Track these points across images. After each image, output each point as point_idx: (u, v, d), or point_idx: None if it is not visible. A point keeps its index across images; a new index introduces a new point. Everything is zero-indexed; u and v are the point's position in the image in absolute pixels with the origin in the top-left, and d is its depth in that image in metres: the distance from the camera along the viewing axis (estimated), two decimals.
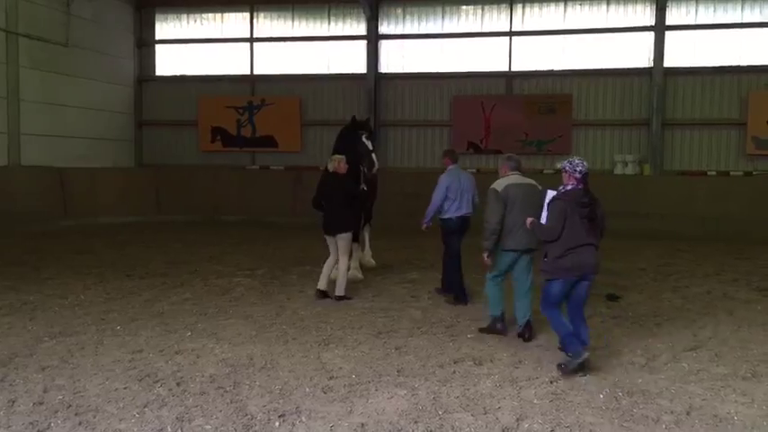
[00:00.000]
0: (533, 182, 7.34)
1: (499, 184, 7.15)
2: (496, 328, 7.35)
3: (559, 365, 5.99)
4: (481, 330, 7.43)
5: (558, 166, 6.21)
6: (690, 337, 7.36)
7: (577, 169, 6.11)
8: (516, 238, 7.02)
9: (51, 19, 18.09)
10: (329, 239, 9.05)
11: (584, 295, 6.22)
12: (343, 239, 8.98)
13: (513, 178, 7.23)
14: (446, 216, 8.74)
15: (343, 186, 9.01)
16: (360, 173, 9.89)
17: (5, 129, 16.94)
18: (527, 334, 7.14)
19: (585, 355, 5.94)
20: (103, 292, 9.34)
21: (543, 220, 6.27)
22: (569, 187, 6.13)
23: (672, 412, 5.11)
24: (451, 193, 8.65)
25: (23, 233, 15.21)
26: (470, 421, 4.89)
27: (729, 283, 10.48)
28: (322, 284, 9.11)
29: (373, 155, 9.79)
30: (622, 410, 5.13)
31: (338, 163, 9.10)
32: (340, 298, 8.97)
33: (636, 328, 7.71)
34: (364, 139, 9.86)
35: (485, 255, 7.13)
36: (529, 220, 6.51)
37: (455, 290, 8.88)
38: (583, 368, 5.92)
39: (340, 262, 9.02)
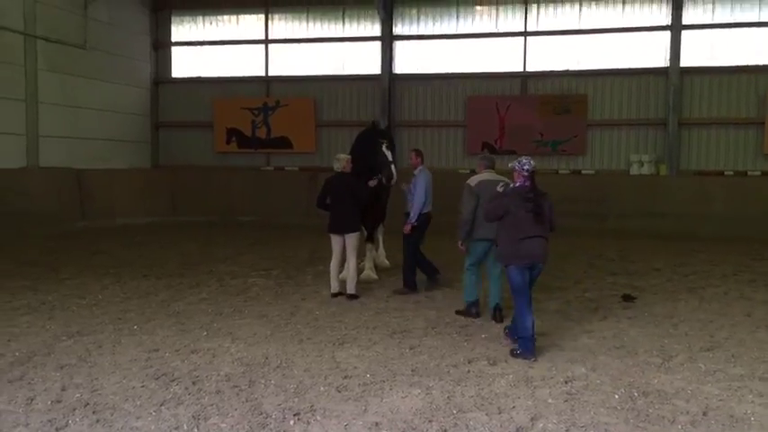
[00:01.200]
0: (505, 179, 7.90)
1: (473, 180, 7.98)
2: (471, 312, 8.11)
3: (512, 349, 6.61)
4: (457, 312, 8.20)
5: (510, 165, 6.99)
6: (706, 337, 7.31)
7: (524, 168, 6.69)
8: (487, 228, 7.57)
9: (69, 22, 18.26)
10: (335, 239, 9.08)
11: (534, 277, 6.81)
12: (352, 239, 9.02)
13: (486, 175, 8.02)
14: (422, 212, 9.40)
15: (351, 187, 9.03)
16: (373, 179, 9.83)
17: (24, 131, 17.12)
18: (498, 316, 7.92)
19: (532, 359, 6.44)
20: (120, 292, 9.42)
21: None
22: (518, 184, 6.77)
23: (688, 413, 5.09)
24: (427, 192, 9.35)
25: (41, 234, 15.36)
26: (485, 420, 4.89)
27: (746, 284, 10.39)
28: (334, 288, 9.17)
29: (393, 166, 9.75)
30: (638, 411, 5.11)
31: (345, 162, 9.13)
32: (351, 296, 9.01)
33: (652, 329, 7.67)
34: (384, 149, 9.80)
35: (459, 243, 8.03)
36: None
37: (429, 272, 9.64)
38: (529, 356, 6.45)
39: (350, 261, 9.06)
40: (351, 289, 9.08)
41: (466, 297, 8.19)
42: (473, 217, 7.77)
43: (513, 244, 6.57)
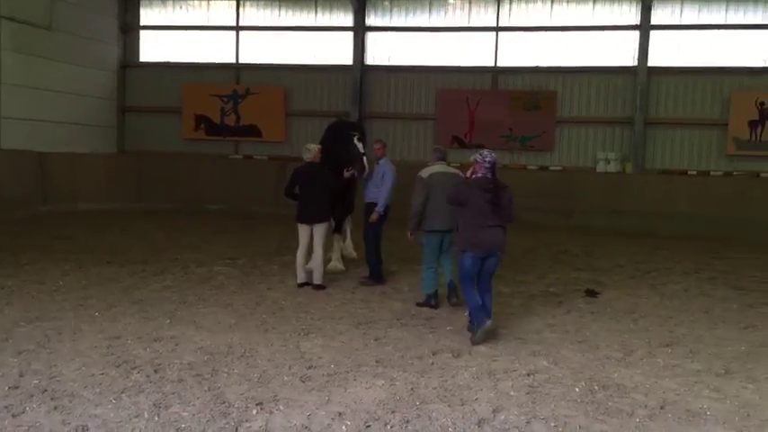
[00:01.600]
0: (457, 171, 8.36)
1: (425, 172, 8.18)
2: (430, 303, 8.29)
3: (471, 337, 6.81)
4: (418, 304, 8.33)
5: (472, 158, 7.28)
6: (666, 333, 7.45)
7: (486, 160, 6.93)
8: (437, 219, 8.01)
9: (34, 2, 17.83)
10: (303, 229, 9.06)
11: (492, 269, 6.99)
12: (320, 229, 9.01)
13: (438, 167, 8.24)
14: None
15: (321, 176, 9.01)
16: (344, 169, 9.79)
17: None
18: (453, 298, 8.25)
19: (488, 323, 6.77)
20: (82, 279, 9.27)
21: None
22: (479, 175, 6.97)
23: (646, 406, 5.18)
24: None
25: (2, 218, 15.04)
26: (447, 412, 4.93)
27: (706, 282, 10.60)
28: (301, 278, 9.15)
29: (365, 158, 9.74)
30: (597, 403, 5.19)
31: (315, 152, 9.10)
32: (318, 287, 9.00)
33: (613, 324, 7.79)
34: (356, 141, 9.78)
35: (408, 233, 8.30)
36: None
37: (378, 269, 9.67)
38: (489, 335, 6.81)
39: (317, 251, 9.04)
40: (317, 279, 9.08)
41: (425, 289, 8.35)
42: (423, 208, 8.05)
43: (472, 232, 6.84)
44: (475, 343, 6.67)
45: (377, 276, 9.58)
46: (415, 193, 8.11)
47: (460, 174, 8.12)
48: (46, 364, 5.67)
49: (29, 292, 8.32)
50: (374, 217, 9.35)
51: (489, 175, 6.91)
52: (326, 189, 9.01)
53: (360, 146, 9.78)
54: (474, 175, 7.04)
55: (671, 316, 8.25)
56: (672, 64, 18.51)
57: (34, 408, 4.76)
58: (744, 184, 17.66)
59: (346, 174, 9.72)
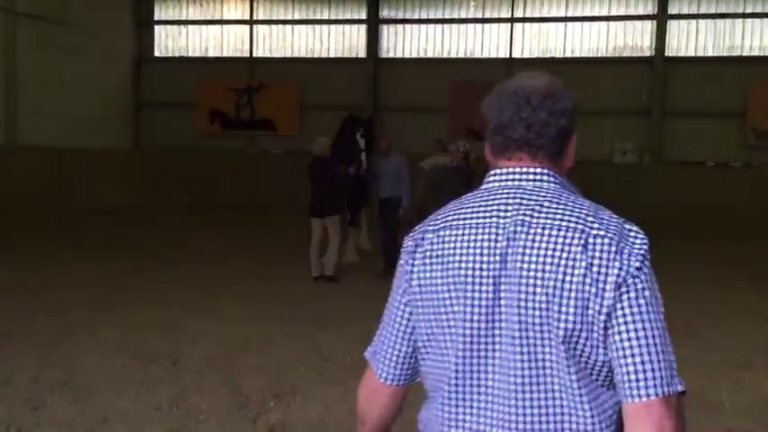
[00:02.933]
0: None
1: (426, 164, 8.63)
2: None
3: None
4: None
5: (450, 147, 8.15)
6: (683, 325, 7.38)
7: (460, 149, 7.76)
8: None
9: None
10: (314, 222, 9.08)
11: None
12: (331, 221, 9.00)
13: (439, 158, 8.57)
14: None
15: (328, 170, 9.00)
16: (351, 165, 9.84)
17: (3, 108, 16.86)
18: None
19: None
20: (101, 272, 9.35)
21: None
22: (455, 163, 7.77)
23: None
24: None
25: (20, 213, 15.18)
26: None
27: (726, 273, 10.51)
28: (315, 271, 9.17)
29: (363, 155, 9.78)
30: None
31: (322, 146, 9.09)
32: (330, 279, 9.01)
33: None
34: (358, 137, 9.85)
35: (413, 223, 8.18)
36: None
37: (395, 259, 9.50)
38: None
39: (331, 243, 9.05)
40: (328, 270, 9.08)
41: None
42: (425, 200, 8.27)
43: None
44: None
45: (394, 267, 9.53)
46: (417, 184, 8.44)
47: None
48: (66, 357, 5.73)
49: (48, 286, 8.40)
50: (405, 213, 9.19)
51: (464, 164, 7.75)
52: (333, 182, 9.00)
53: (361, 142, 9.85)
54: (451, 164, 7.87)
55: (689, 308, 8.18)
56: (689, 54, 18.33)
57: (55, 400, 4.81)
58: (763, 175, 17.47)
59: (351, 170, 9.77)
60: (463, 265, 1.46)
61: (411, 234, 1.63)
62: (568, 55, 19.08)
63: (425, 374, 1.61)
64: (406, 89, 20.21)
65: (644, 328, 1.36)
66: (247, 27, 21.23)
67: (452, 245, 1.49)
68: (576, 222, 1.41)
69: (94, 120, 19.81)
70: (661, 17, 18.29)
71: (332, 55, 20.61)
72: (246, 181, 19.93)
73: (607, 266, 1.37)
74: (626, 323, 1.35)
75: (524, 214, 1.44)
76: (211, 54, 21.39)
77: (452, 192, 7.23)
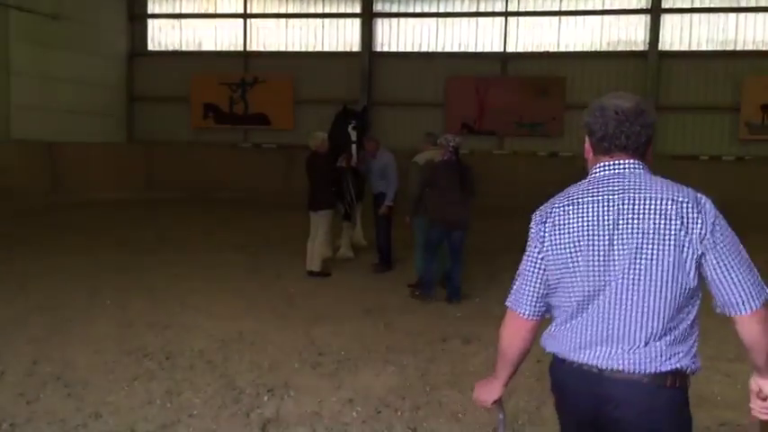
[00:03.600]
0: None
1: (420, 158, 8.48)
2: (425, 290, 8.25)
3: (417, 295, 7.84)
4: (409, 286, 8.36)
5: (438, 142, 7.96)
6: None
7: (450, 144, 7.65)
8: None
9: None
10: (311, 216, 9.07)
11: (458, 243, 7.66)
12: (320, 216, 8.97)
13: (432, 153, 8.33)
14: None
15: (321, 165, 8.99)
16: (340, 158, 9.83)
17: None
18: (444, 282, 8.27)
19: (432, 299, 7.73)
20: (94, 267, 9.33)
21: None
22: (445, 157, 7.71)
23: None
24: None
25: (13, 206, 15.13)
26: (457, 398, 4.94)
27: None
28: (310, 266, 9.15)
29: (354, 146, 9.78)
30: None
31: (319, 141, 9.07)
32: (317, 274, 8.97)
33: None
34: (350, 130, 9.85)
35: (407, 218, 8.48)
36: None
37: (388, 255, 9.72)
38: (429, 297, 7.74)
39: (318, 237, 9.03)
40: (314, 266, 9.05)
41: (418, 273, 8.36)
42: (422, 194, 8.32)
43: (439, 208, 7.58)
44: (413, 297, 7.84)
45: (387, 263, 9.59)
46: (411, 179, 8.37)
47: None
48: (59, 352, 5.72)
49: (41, 281, 8.38)
50: (383, 210, 9.39)
51: (454, 158, 7.66)
52: (323, 177, 8.98)
53: (353, 134, 9.83)
54: (441, 158, 7.78)
55: None
56: (683, 48, 18.36)
57: (48, 395, 4.81)
58: (756, 169, 17.53)
59: (339, 162, 9.76)
60: (583, 230, 2.19)
61: (539, 210, 2.33)
62: (562, 49, 19.07)
63: (554, 307, 2.35)
64: (401, 83, 20.19)
65: (731, 261, 2.10)
66: (241, 21, 21.17)
67: (575, 216, 2.21)
68: (667, 194, 2.15)
69: (88, 114, 19.74)
70: (655, 11, 18.30)
71: (326, 49, 20.57)
72: (240, 175, 19.89)
73: (693, 222, 2.09)
74: (718, 261, 2.09)
75: (630, 191, 2.17)
76: (205, 48, 21.32)
77: (448, 187, 7.26)
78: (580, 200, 2.24)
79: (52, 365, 5.39)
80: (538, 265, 2.31)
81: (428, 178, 7.76)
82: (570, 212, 2.22)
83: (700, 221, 2.09)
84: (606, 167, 2.26)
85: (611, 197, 2.18)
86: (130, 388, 4.97)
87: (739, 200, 16.85)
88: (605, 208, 2.17)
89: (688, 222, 2.09)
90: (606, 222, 2.15)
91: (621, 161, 2.25)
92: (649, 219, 2.11)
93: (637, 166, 2.25)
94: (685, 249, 2.09)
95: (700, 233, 2.08)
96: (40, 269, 9.05)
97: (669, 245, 2.09)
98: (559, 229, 2.24)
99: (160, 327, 6.55)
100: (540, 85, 19.03)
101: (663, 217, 2.10)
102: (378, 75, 20.25)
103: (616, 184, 2.20)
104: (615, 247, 2.14)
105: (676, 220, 2.09)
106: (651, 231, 2.10)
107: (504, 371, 2.61)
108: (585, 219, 2.19)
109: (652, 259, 2.10)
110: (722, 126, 18.26)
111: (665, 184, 2.20)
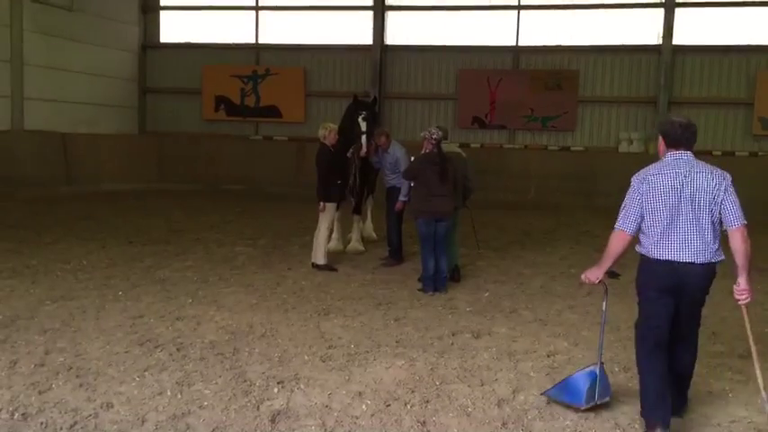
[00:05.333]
0: (458, 149, 8.84)
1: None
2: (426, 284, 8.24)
3: (419, 288, 7.95)
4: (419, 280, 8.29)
5: (422, 134, 8.06)
6: None
7: (433, 137, 7.78)
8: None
9: None
10: (318, 208, 9.08)
11: (443, 234, 7.87)
12: (322, 208, 8.97)
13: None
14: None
15: (328, 157, 8.97)
16: (350, 150, 9.76)
17: (9, 93, 16.88)
18: (456, 276, 8.54)
19: (430, 292, 7.81)
20: (105, 258, 9.38)
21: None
22: (428, 150, 7.85)
23: None
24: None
25: (26, 198, 15.23)
26: (467, 392, 4.94)
27: (730, 263, 10.46)
28: (313, 258, 9.16)
29: (363, 137, 9.63)
30: (618, 385, 5.17)
31: (327, 132, 9.04)
32: (315, 266, 8.98)
33: (634, 305, 7.69)
34: (360, 120, 9.74)
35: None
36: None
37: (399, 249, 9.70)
38: (428, 290, 7.84)
39: (316, 231, 9.04)
40: (315, 258, 9.04)
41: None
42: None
43: (422, 201, 7.78)
44: (419, 289, 7.91)
45: (397, 256, 9.58)
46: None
47: (462, 152, 8.85)
48: (71, 343, 5.76)
49: (53, 272, 8.43)
50: (398, 206, 9.23)
51: (436, 150, 7.78)
52: (328, 169, 8.96)
53: (363, 125, 9.70)
54: (424, 151, 7.91)
55: None
56: (697, 42, 18.20)
57: (60, 385, 4.84)
58: None
59: (348, 154, 9.72)
60: (664, 188, 4.16)
61: (637, 175, 4.29)
62: (575, 43, 18.95)
63: (646, 227, 4.23)
64: (413, 77, 20.17)
65: (734, 202, 4.14)
66: (253, 13, 21.17)
67: (659, 181, 4.17)
68: (707, 169, 4.18)
69: (100, 105, 19.85)
70: (669, 5, 18.15)
71: (338, 42, 20.53)
72: (251, 167, 19.93)
73: (722, 183, 4.14)
74: (728, 201, 4.12)
75: (691, 168, 4.18)
76: (217, 40, 21.33)
77: (431, 179, 7.59)
78: (663, 173, 4.23)
79: (64, 356, 5.42)
80: (637, 205, 4.24)
81: (411, 171, 7.96)
82: (658, 179, 4.21)
83: (723, 185, 4.15)
84: (674, 156, 4.27)
85: (678, 171, 4.19)
86: (141, 379, 4.99)
87: (753, 196, 16.63)
88: (674, 176, 4.18)
89: (720, 183, 4.15)
90: (677, 185, 4.16)
91: (683, 152, 4.26)
92: (699, 182, 4.15)
93: (690, 155, 4.26)
94: (716, 197, 4.13)
95: (724, 190, 4.14)
96: (52, 260, 9.10)
97: (709, 195, 4.14)
98: (653, 188, 4.20)
99: (171, 318, 6.58)
100: (552, 78, 18.94)
101: (706, 181, 4.15)
102: (389, 68, 20.22)
103: (681, 164, 4.22)
104: (682, 198, 4.15)
105: (713, 182, 4.14)
106: (701, 189, 4.14)
107: (606, 264, 4.43)
108: (667, 183, 4.18)
109: (701, 202, 4.14)
110: (736, 121, 18.12)
111: (706, 165, 4.24)
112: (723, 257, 4.23)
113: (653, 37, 18.47)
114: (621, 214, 4.27)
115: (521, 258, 10.37)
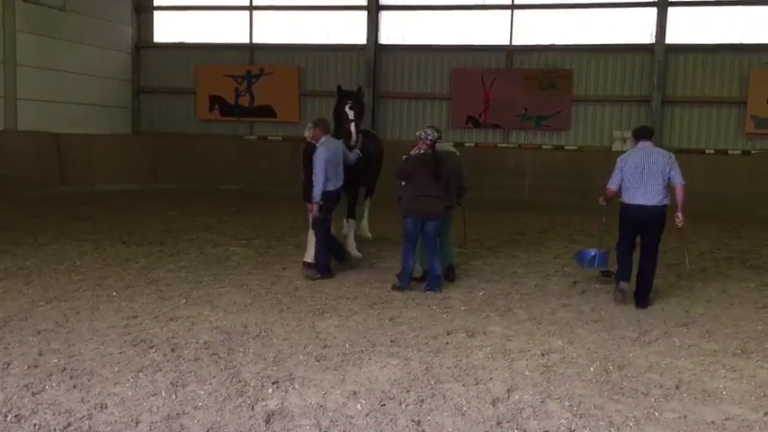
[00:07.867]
0: (452, 149, 8.84)
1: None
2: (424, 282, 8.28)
3: (393, 286, 8.00)
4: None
5: (416, 134, 8.06)
6: (682, 313, 7.41)
7: (428, 138, 7.86)
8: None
9: None
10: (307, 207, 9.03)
11: (432, 233, 7.95)
12: (310, 209, 8.81)
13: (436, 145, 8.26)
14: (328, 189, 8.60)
15: (308, 155, 8.79)
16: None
17: (2, 93, 16.83)
18: (450, 275, 8.54)
19: (405, 289, 7.89)
20: (99, 259, 9.35)
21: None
22: (422, 151, 7.91)
23: (661, 386, 5.17)
24: (329, 166, 8.53)
25: (19, 198, 15.18)
26: (462, 391, 4.94)
27: (723, 261, 10.53)
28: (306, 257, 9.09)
29: (352, 125, 9.22)
30: (612, 383, 5.19)
31: (311, 131, 8.96)
32: (306, 265, 8.85)
33: (628, 304, 7.75)
34: (347, 109, 9.47)
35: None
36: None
37: (338, 255, 9.05)
38: (404, 289, 7.90)
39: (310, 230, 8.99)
40: (307, 257, 8.87)
41: (422, 267, 8.34)
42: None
43: (412, 200, 7.85)
44: (393, 288, 7.93)
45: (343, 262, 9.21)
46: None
47: (456, 151, 8.86)
48: (65, 344, 5.74)
49: (47, 272, 8.41)
50: (313, 209, 8.57)
51: (429, 151, 7.86)
52: (307, 168, 8.84)
53: (350, 113, 9.35)
54: (417, 151, 7.94)
55: (687, 296, 8.20)
56: (690, 41, 18.25)
57: (53, 386, 4.83)
58: (762, 163, 17.46)
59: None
60: (635, 163, 7.57)
61: (621, 155, 7.79)
62: (569, 43, 18.98)
63: (624, 187, 7.64)
64: (407, 76, 20.17)
65: (677, 171, 7.54)
66: (247, 13, 21.14)
67: (632, 159, 7.61)
68: (661, 152, 7.71)
69: (94, 105, 19.79)
70: (662, 4, 18.19)
71: (332, 41, 20.51)
72: (246, 167, 19.90)
73: (669, 161, 7.55)
74: (674, 171, 7.52)
75: (650, 152, 7.63)
76: (211, 40, 21.29)
77: (422, 180, 7.73)
78: (634, 154, 7.61)
79: (58, 357, 5.41)
80: (619, 173, 7.58)
81: (404, 171, 7.93)
82: (631, 158, 7.57)
83: (670, 162, 7.48)
84: (643, 145, 7.67)
85: (642, 153, 7.56)
86: (136, 379, 4.98)
87: (745, 194, 16.80)
88: (641, 158, 7.52)
89: (667, 161, 7.48)
90: (642, 162, 7.48)
91: (647, 143, 7.69)
92: (656, 160, 7.47)
93: (649, 144, 7.68)
94: (665, 169, 7.44)
95: (671, 165, 7.47)
96: (46, 261, 9.07)
97: (661, 167, 7.44)
98: (628, 164, 7.55)
99: (165, 319, 6.57)
100: (546, 78, 18.96)
101: (660, 159, 7.49)
102: (384, 68, 20.21)
103: (646, 149, 7.60)
104: (645, 170, 7.43)
105: (662, 160, 7.48)
106: (656, 163, 7.45)
107: (605, 199, 7.92)
108: (637, 160, 7.51)
109: (656, 171, 7.43)
110: (728, 120, 18.17)
111: (660, 150, 7.73)
112: (668, 202, 7.50)
113: (646, 36, 18.51)
114: (610, 179, 7.67)
115: (515, 257, 10.38)
